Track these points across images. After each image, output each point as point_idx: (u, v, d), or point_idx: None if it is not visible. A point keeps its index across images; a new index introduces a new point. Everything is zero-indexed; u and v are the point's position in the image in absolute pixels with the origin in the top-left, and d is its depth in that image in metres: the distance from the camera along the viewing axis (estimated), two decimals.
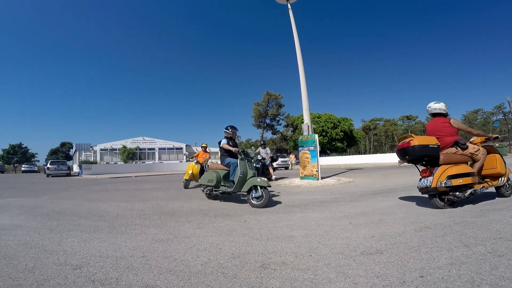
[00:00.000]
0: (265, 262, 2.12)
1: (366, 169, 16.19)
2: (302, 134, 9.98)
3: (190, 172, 8.30)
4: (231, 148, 5.32)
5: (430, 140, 3.74)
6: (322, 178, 9.25)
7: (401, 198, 4.97)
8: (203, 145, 9.81)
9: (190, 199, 6.03)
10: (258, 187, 4.72)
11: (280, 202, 5.16)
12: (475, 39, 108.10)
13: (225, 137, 5.61)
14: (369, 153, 63.30)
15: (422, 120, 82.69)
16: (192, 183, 8.75)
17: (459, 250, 2.17)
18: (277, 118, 49.27)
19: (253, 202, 4.71)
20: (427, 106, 4.28)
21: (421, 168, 4.08)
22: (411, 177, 9.37)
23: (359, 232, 2.85)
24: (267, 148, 11.01)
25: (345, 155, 43.09)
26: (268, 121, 48.86)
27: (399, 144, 4.06)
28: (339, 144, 37.62)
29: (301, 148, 9.60)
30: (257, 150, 10.13)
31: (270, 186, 4.83)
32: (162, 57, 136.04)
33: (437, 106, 4.17)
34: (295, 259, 2.17)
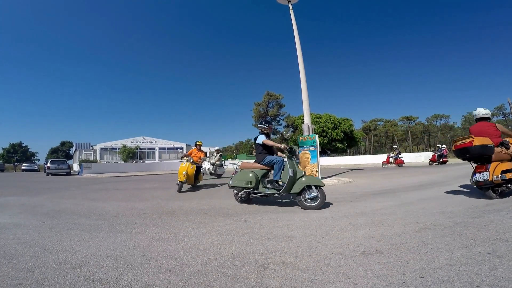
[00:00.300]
0: (265, 262, 2.12)
1: (366, 170, 16.19)
2: (302, 135, 9.97)
3: (184, 173, 7.16)
4: (279, 145, 4.71)
5: (487, 141, 4.30)
6: (322, 178, 9.24)
7: (401, 199, 4.97)
8: (198, 143, 8.57)
9: (190, 198, 6.03)
10: (313, 186, 4.29)
11: (279, 202, 5.16)
12: (476, 40, 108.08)
13: (262, 133, 5.00)
14: (369, 154, 63.31)
15: (423, 121, 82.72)
16: (185, 186, 7.72)
17: (459, 250, 2.17)
18: (278, 118, 49.24)
19: (306, 204, 4.27)
20: (477, 111, 4.84)
21: (473, 165, 4.69)
22: (411, 178, 9.38)
23: (359, 232, 2.85)
24: None
25: (345, 155, 43.08)
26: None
27: (459, 144, 4.58)
28: (339, 145, 37.57)
29: (301, 148, 9.59)
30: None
31: (324, 185, 4.40)
32: (163, 57, 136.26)
33: (485, 111, 4.77)
34: (295, 259, 2.17)
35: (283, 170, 4.58)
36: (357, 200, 5.05)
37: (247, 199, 4.99)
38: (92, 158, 39.64)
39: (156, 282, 1.81)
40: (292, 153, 4.64)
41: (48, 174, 20.98)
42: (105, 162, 37.89)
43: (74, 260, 2.25)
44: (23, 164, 38.94)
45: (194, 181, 7.78)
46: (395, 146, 21.83)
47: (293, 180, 4.39)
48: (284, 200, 5.15)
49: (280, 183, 4.59)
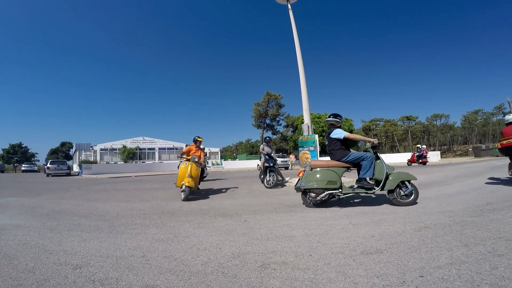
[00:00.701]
0: (265, 262, 2.12)
1: None
2: (302, 134, 9.97)
3: (188, 176, 5.81)
4: (370, 139, 4.39)
5: None
6: None
7: None
8: (198, 138, 6.92)
9: (189, 199, 6.02)
10: (406, 182, 4.20)
11: (279, 202, 5.16)
12: (475, 40, 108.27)
13: (335, 127, 4.60)
14: None
15: (422, 120, 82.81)
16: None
17: (459, 249, 2.17)
18: (277, 118, 49.27)
19: (401, 200, 4.16)
20: (510, 117, 5.83)
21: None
22: None
23: (359, 232, 2.85)
24: (271, 147, 8.84)
25: None
26: (268, 121, 48.86)
27: (505, 143, 5.62)
28: None
29: (301, 148, 9.60)
30: (261, 147, 8.67)
31: (416, 179, 4.27)
32: (163, 57, 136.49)
33: None
34: (295, 258, 2.17)
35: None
36: (357, 199, 5.05)
37: (323, 202, 4.42)
38: (92, 159, 39.59)
39: (157, 283, 1.81)
40: (376, 148, 4.42)
41: (48, 175, 20.98)
42: (105, 162, 37.86)
43: (75, 260, 2.25)
44: (23, 165, 38.96)
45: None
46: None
47: (386, 176, 4.20)
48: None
49: (369, 181, 4.26)
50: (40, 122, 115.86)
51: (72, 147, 60.42)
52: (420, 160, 18.22)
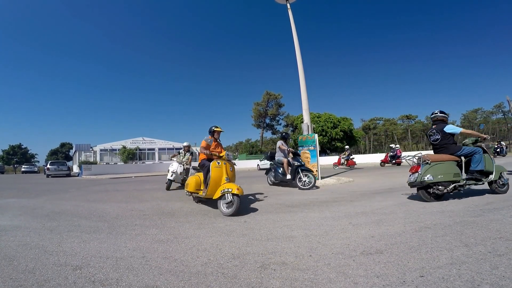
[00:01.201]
0: (265, 263, 2.12)
1: (366, 169, 16.19)
2: (302, 134, 9.97)
3: (226, 179, 4.46)
4: (483, 135, 4.68)
5: None
6: (322, 177, 9.25)
7: (400, 198, 4.96)
8: (216, 129, 5.23)
9: (189, 199, 6.02)
10: (503, 173, 4.70)
11: (280, 202, 5.16)
12: (475, 39, 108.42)
13: (444, 122, 4.83)
14: (369, 153, 63.28)
15: (422, 119, 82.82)
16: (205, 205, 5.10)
17: (459, 249, 2.17)
18: (277, 118, 49.34)
19: (500, 189, 4.69)
20: None
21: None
22: None
23: (359, 232, 2.85)
24: (288, 144, 8.11)
25: None
26: (268, 121, 48.93)
27: None
28: (339, 144, 37.57)
29: (301, 148, 9.60)
30: (279, 143, 7.80)
31: (507, 171, 4.69)
32: (162, 57, 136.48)
33: None
34: (295, 259, 2.17)
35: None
36: (357, 200, 5.05)
37: (441, 196, 4.50)
38: (91, 160, 39.59)
39: (157, 283, 1.81)
40: (478, 143, 4.77)
41: (48, 175, 20.99)
42: (104, 163, 37.84)
43: (75, 261, 2.25)
44: (23, 166, 38.95)
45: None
46: (346, 147, 20.99)
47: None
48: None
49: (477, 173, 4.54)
50: (40, 122, 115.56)
51: (72, 148, 60.43)
52: (394, 161, 17.32)
